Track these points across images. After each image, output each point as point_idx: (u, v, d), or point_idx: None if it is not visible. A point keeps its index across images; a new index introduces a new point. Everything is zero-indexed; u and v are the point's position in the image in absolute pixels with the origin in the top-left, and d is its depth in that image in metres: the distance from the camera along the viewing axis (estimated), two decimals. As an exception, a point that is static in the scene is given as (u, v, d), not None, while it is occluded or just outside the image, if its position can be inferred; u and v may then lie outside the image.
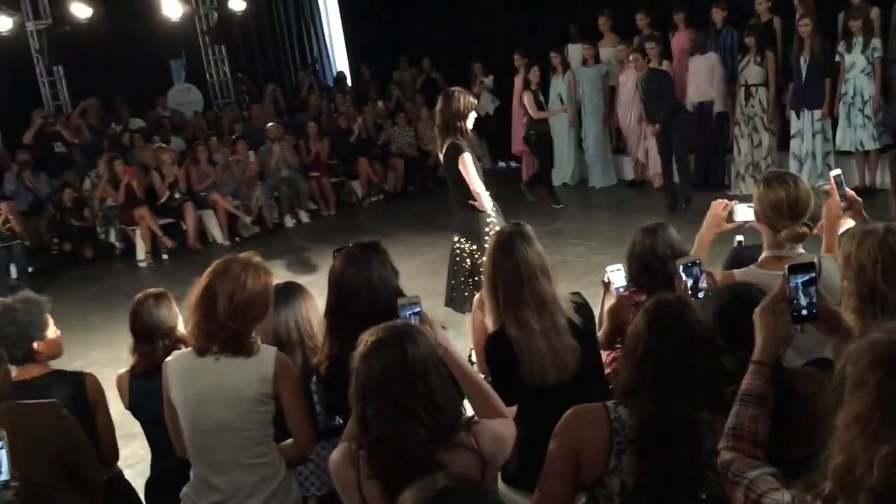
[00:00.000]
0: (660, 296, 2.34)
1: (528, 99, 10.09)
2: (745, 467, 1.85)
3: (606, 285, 3.69)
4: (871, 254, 2.30)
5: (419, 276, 8.08)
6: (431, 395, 2.05)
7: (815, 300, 2.07)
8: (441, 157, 5.41)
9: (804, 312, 2.07)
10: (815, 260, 2.57)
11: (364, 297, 2.78)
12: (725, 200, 3.36)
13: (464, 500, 1.61)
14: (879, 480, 1.43)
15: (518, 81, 11.26)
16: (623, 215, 9.40)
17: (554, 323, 2.90)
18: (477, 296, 3.73)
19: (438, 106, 5.30)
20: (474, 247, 5.26)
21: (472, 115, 5.30)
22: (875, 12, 8.54)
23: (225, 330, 2.69)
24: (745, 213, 3.23)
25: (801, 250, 3.01)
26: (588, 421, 2.22)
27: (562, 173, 11.22)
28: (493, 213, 5.32)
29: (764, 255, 3.03)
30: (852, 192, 3.26)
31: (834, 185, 3.20)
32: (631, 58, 8.94)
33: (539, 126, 10.17)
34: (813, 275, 2.08)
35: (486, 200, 5.26)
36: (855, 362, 1.54)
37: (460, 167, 5.17)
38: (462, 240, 5.38)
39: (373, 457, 2.06)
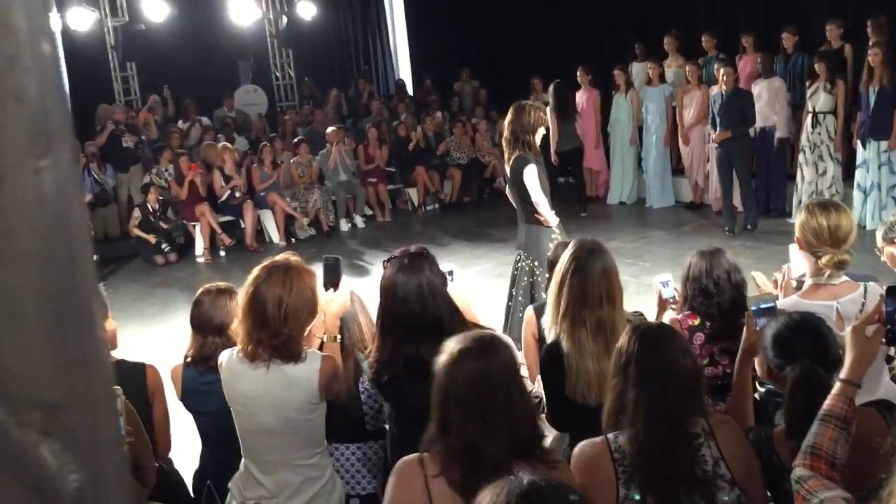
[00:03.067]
0: (636, 324, 2.37)
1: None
2: (820, 486, 1.86)
3: (663, 301, 3.67)
4: None
5: (471, 287, 8.12)
6: (511, 407, 2.09)
7: None
8: (507, 169, 5.40)
9: None
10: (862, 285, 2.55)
11: (414, 304, 2.83)
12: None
13: (554, 499, 1.53)
14: None
15: (581, 97, 11.24)
16: (679, 237, 9.30)
17: (607, 348, 2.89)
18: (527, 311, 3.74)
19: (508, 118, 5.29)
20: (535, 263, 5.21)
21: (541, 131, 5.28)
22: (952, 43, 8.35)
23: (278, 336, 2.71)
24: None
25: (845, 278, 3.02)
26: (590, 458, 2.25)
27: (619, 192, 11.18)
28: (557, 230, 5.27)
29: (807, 283, 3.05)
30: None
31: None
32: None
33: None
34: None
35: (549, 215, 5.22)
36: None
37: (525, 180, 5.15)
38: (524, 255, 5.36)
39: (453, 462, 2.08)
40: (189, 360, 3.36)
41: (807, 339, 2.38)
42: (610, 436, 2.25)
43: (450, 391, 2.10)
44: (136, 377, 3.34)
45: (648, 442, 2.15)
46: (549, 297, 3.03)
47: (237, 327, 2.84)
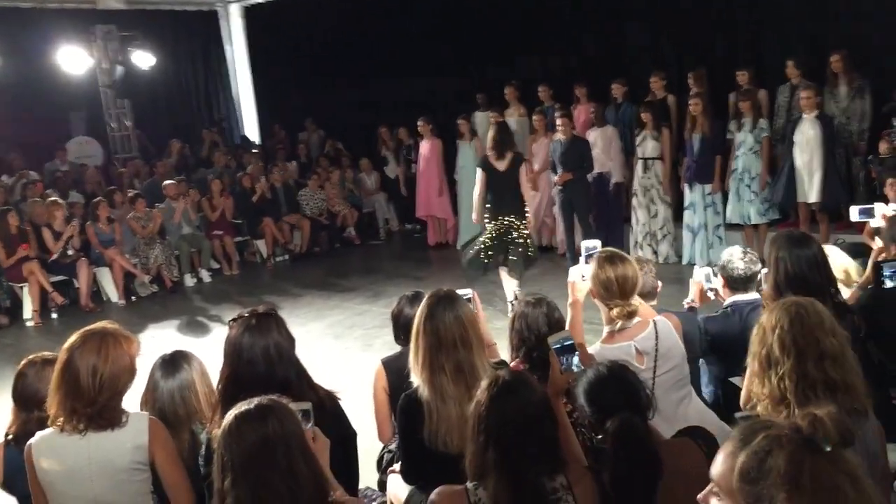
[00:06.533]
0: (496, 374, 2.40)
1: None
2: None
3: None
4: (774, 320, 2.41)
5: (323, 338, 7.99)
6: (294, 473, 2.04)
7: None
8: (500, 165, 7.54)
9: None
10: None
11: (261, 367, 2.73)
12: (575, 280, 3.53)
13: None
14: None
15: (424, 147, 11.44)
16: (528, 281, 9.53)
17: (469, 392, 2.90)
18: (377, 365, 3.73)
19: (493, 133, 7.71)
20: (519, 222, 7.57)
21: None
22: (762, 94, 9.14)
23: (92, 406, 2.63)
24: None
25: (638, 318, 3.26)
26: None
27: (468, 237, 11.34)
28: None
29: (605, 330, 3.27)
30: None
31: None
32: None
33: None
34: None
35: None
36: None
37: (522, 171, 7.60)
38: (512, 217, 7.51)
39: None
40: (10, 437, 3.11)
41: (616, 391, 2.47)
42: (470, 486, 2.24)
43: (226, 459, 2.04)
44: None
45: (505, 501, 2.15)
46: (411, 345, 3.03)
47: (49, 397, 2.69)
